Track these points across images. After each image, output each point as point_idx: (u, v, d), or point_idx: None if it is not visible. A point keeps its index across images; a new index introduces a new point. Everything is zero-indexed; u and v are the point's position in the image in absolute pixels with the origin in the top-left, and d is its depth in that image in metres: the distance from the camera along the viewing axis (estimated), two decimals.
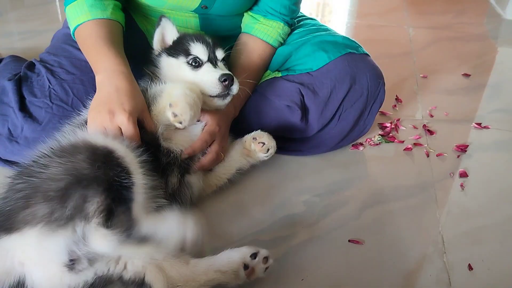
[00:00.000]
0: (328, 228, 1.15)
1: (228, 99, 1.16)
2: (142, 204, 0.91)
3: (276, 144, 1.25)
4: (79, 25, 1.18)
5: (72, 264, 0.83)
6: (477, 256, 1.07)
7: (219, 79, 1.11)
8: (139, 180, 0.91)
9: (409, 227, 1.16)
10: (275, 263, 1.04)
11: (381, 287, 1.00)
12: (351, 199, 1.24)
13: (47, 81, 1.23)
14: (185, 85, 1.08)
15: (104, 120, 1.01)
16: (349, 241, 1.11)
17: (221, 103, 1.16)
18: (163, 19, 1.21)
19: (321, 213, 1.19)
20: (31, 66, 1.31)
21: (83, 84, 1.23)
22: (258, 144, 1.22)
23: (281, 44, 1.39)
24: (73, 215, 0.82)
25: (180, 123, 1.02)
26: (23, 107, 1.21)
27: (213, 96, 1.14)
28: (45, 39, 1.45)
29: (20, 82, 1.25)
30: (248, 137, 1.24)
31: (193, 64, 1.16)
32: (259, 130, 1.25)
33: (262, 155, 1.23)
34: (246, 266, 0.94)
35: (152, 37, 1.27)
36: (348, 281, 1.01)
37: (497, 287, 1.01)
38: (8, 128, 1.20)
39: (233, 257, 0.95)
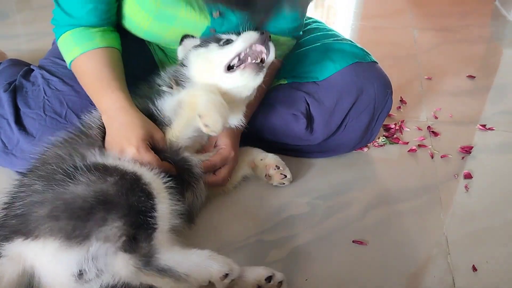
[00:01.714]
0: (332, 228, 1.15)
1: (261, 76, 1.07)
2: (166, 233, 0.91)
3: (280, 148, 1.29)
4: (72, 61, 1.15)
5: (80, 274, 0.85)
6: (481, 258, 1.07)
7: (257, 32, 1.06)
8: (164, 207, 0.92)
9: (413, 228, 1.16)
10: (279, 264, 1.05)
11: None
12: (355, 200, 1.25)
13: (43, 92, 1.21)
14: (205, 88, 1.06)
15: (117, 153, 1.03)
16: (353, 241, 1.11)
17: (252, 83, 1.08)
18: (186, 38, 1.20)
19: (325, 214, 1.20)
20: (27, 73, 1.28)
21: (79, 97, 1.19)
22: (280, 175, 1.26)
23: (286, 54, 1.37)
24: (91, 235, 0.85)
25: (214, 132, 1.03)
26: (18, 119, 1.19)
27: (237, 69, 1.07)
28: (51, 41, 1.45)
29: (15, 93, 1.22)
30: (268, 161, 1.27)
31: (226, 43, 1.10)
32: (276, 156, 1.28)
33: (276, 183, 1.27)
34: None
35: (158, 58, 1.32)
36: (352, 281, 1.02)
37: None
38: (2, 140, 1.19)
39: (247, 277, 0.93)
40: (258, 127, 1.29)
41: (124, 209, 0.87)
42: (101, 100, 1.11)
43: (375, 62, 1.36)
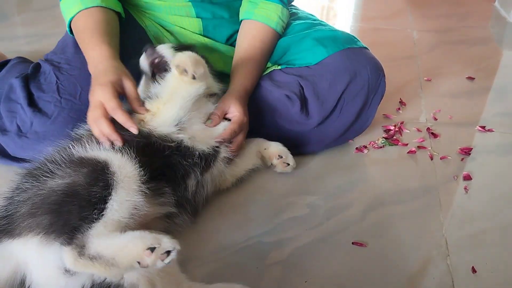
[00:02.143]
0: (331, 230, 1.15)
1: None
2: (111, 223, 0.88)
3: (279, 137, 1.32)
4: (72, 18, 1.22)
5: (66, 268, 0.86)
6: (481, 259, 1.07)
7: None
8: (121, 198, 0.90)
9: (413, 230, 1.16)
10: (279, 265, 1.05)
11: None
12: (355, 202, 1.25)
13: (55, 77, 1.25)
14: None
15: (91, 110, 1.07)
16: (352, 243, 1.11)
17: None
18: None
19: (324, 216, 1.20)
20: (37, 66, 1.32)
21: (90, 79, 1.22)
22: (283, 164, 1.31)
23: (283, 29, 1.39)
24: (64, 230, 0.85)
25: (194, 77, 1.05)
26: (31, 103, 1.22)
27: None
28: (51, 42, 1.46)
29: (27, 79, 1.27)
30: (271, 150, 1.31)
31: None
32: (280, 144, 1.31)
33: (280, 170, 1.31)
34: None
35: (151, 33, 1.34)
36: (352, 283, 1.02)
37: None
38: (17, 124, 1.21)
39: None
40: (253, 112, 1.30)
41: (83, 200, 0.87)
42: (89, 53, 1.17)
43: (366, 47, 1.39)
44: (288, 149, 1.32)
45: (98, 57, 1.14)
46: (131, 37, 1.33)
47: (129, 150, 1.00)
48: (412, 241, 1.13)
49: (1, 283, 0.90)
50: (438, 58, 2.16)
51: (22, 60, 1.53)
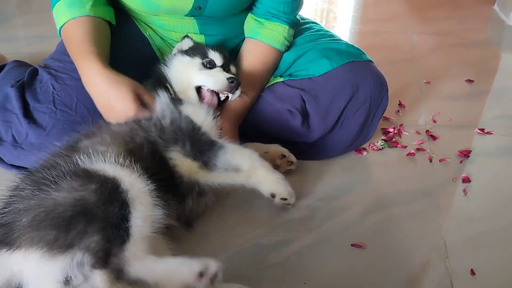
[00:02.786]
0: (330, 232, 1.16)
1: (211, 111, 1.17)
2: (142, 241, 0.89)
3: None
4: (61, 27, 1.22)
5: (67, 280, 0.85)
6: (480, 261, 1.08)
7: (228, 79, 1.19)
8: (140, 214, 0.90)
9: (412, 232, 1.17)
10: (278, 267, 1.05)
11: None
12: (354, 204, 1.25)
13: (51, 87, 1.23)
14: (264, 164, 1.13)
15: (111, 117, 1.13)
16: (352, 245, 1.11)
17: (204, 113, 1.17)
18: (186, 38, 1.30)
19: (323, 217, 1.20)
20: (34, 72, 1.30)
21: None
22: (287, 162, 1.30)
23: (287, 47, 1.39)
24: (74, 245, 0.85)
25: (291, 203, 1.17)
26: (27, 113, 1.21)
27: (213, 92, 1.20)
28: (52, 44, 1.46)
29: (23, 89, 1.25)
30: (272, 152, 1.30)
31: (207, 65, 1.22)
32: (278, 145, 1.31)
33: (284, 170, 1.30)
34: None
35: (155, 43, 1.34)
36: (351, 285, 1.02)
37: None
38: (12, 135, 1.21)
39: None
40: (255, 124, 1.30)
41: (101, 221, 0.86)
42: (80, 64, 1.17)
43: (371, 61, 1.39)
44: None
45: (92, 71, 1.14)
46: (134, 45, 1.33)
47: (136, 157, 1.01)
48: (411, 243, 1.13)
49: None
50: (437, 60, 2.16)
51: (19, 64, 1.50)
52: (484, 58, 2.19)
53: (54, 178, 0.91)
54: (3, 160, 1.26)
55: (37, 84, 1.26)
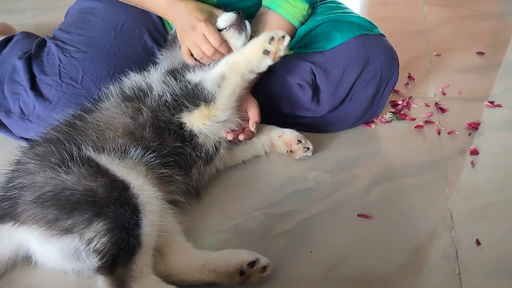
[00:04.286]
0: (337, 203, 1.16)
1: (243, 36, 1.20)
2: (148, 254, 0.89)
3: (285, 122, 1.31)
4: None
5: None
6: (485, 232, 1.08)
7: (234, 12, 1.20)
8: (149, 223, 0.89)
9: (418, 203, 1.17)
10: (284, 236, 1.06)
11: (389, 261, 1.02)
12: (361, 175, 1.25)
13: (57, 59, 1.24)
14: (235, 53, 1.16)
15: (190, 35, 1.17)
16: (358, 215, 1.12)
17: (237, 41, 1.20)
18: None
19: (331, 189, 1.21)
20: (42, 43, 1.31)
21: (94, 63, 1.23)
22: (303, 148, 1.28)
23: (302, 24, 1.36)
24: (73, 230, 0.87)
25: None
26: (34, 86, 1.22)
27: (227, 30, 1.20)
28: (57, 15, 1.45)
29: (30, 60, 1.25)
30: (287, 137, 1.29)
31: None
32: (293, 131, 1.30)
33: (299, 156, 1.29)
34: (242, 272, 0.93)
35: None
36: (356, 254, 1.03)
37: (504, 262, 1.02)
38: (20, 107, 1.22)
39: (230, 260, 0.93)
40: (264, 98, 1.30)
41: (111, 221, 0.86)
42: (158, 3, 1.24)
43: (382, 34, 1.36)
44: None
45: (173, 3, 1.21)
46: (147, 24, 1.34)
47: (146, 130, 1.04)
48: (418, 214, 1.14)
49: (5, 259, 0.94)
50: (448, 33, 2.12)
51: (27, 36, 1.51)
52: (496, 30, 2.15)
53: (64, 161, 0.91)
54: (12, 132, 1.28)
55: (44, 55, 1.26)
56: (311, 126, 1.38)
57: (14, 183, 0.93)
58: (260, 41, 1.10)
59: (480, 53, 1.92)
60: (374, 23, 1.38)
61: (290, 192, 1.19)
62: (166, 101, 1.10)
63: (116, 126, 1.06)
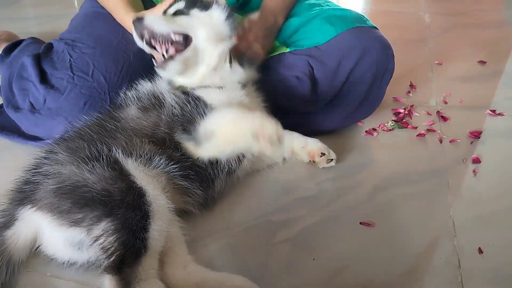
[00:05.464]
0: (340, 210, 1.17)
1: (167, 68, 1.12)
2: (154, 257, 0.91)
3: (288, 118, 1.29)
4: None
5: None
6: (488, 240, 1.08)
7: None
8: (158, 228, 0.91)
9: (421, 211, 1.17)
10: (287, 243, 1.07)
11: (391, 269, 1.02)
12: (363, 183, 1.26)
13: (68, 56, 1.27)
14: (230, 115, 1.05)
15: None
16: (360, 223, 1.12)
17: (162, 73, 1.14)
18: None
19: (333, 196, 1.21)
20: (50, 46, 1.34)
21: (104, 57, 1.26)
22: (328, 160, 1.28)
23: None
24: (81, 224, 0.90)
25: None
26: (43, 80, 1.24)
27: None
28: (61, 24, 1.48)
29: (39, 58, 1.28)
30: (311, 149, 1.28)
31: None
32: (317, 141, 1.30)
33: (322, 166, 1.29)
34: None
35: None
36: (359, 262, 1.03)
37: (507, 270, 1.01)
38: (30, 102, 1.24)
39: (225, 285, 0.94)
40: (262, 93, 1.30)
41: (119, 222, 0.88)
42: (124, 20, 1.26)
43: (375, 27, 1.39)
44: (295, 129, 1.31)
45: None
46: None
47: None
48: (420, 222, 1.14)
49: (29, 241, 0.97)
50: (449, 41, 2.14)
51: (35, 41, 1.55)
52: (498, 39, 2.16)
53: (92, 159, 0.95)
54: (20, 133, 1.29)
55: (53, 54, 1.30)
56: (310, 122, 1.39)
57: (41, 170, 0.97)
58: (250, 127, 0.97)
59: (482, 62, 1.93)
60: (366, 17, 1.40)
61: (292, 199, 1.20)
62: (177, 116, 1.09)
63: (142, 134, 1.07)
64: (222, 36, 1.15)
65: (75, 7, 2.25)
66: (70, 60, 1.26)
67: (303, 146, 1.29)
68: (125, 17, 1.27)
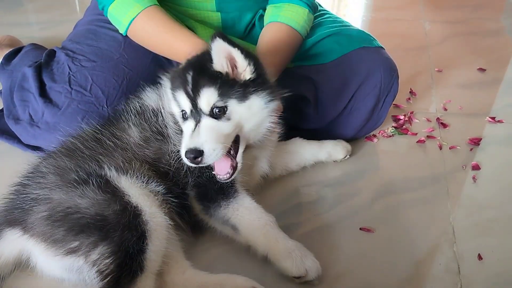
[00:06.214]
0: (340, 216, 1.17)
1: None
2: (151, 278, 0.90)
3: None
4: (133, 19, 1.20)
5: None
6: (487, 247, 1.08)
7: (185, 154, 0.96)
8: (155, 249, 0.90)
9: (420, 217, 1.17)
10: None
11: (391, 275, 1.02)
12: (363, 189, 1.26)
13: (67, 68, 1.26)
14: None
15: None
16: (360, 229, 1.13)
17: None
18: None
19: (333, 202, 1.21)
20: (51, 54, 1.34)
21: (103, 72, 1.25)
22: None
23: (307, 33, 1.36)
24: (78, 251, 0.89)
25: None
26: (43, 93, 1.24)
27: None
28: (63, 29, 1.48)
29: (40, 69, 1.28)
30: (336, 157, 1.34)
31: (183, 117, 1.03)
32: (339, 143, 1.35)
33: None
34: None
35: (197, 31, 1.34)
36: (359, 267, 1.03)
37: (506, 276, 1.02)
38: (29, 114, 1.24)
39: (226, 286, 0.94)
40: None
41: (115, 245, 0.87)
42: (180, 48, 1.16)
43: (381, 47, 1.39)
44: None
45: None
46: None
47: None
48: (420, 228, 1.14)
49: (10, 262, 0.96)
50: (449, 49, 2.14)
51: (36, 47, 1.55)
52: (497, 47, 2.17)
53: (81, 183, 0.92)
54: (19, 142, 1.29)
55: (54, 64, 1.29)
56: (312, 137, 1.38)
57: (29, 192, 0.94)
58: None
59: (481, 70, 1.94)
60: (374, 37, 1.40)
61: (293, 205, 1.20)
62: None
63: (141, 160, 1.04)
64: (264, 120, 1.05)
65: (77, 13, 2.26)
66: (69, 73, 1.25)
67: (332, 156, 1.34)
68: (181, 44, 1.18)
